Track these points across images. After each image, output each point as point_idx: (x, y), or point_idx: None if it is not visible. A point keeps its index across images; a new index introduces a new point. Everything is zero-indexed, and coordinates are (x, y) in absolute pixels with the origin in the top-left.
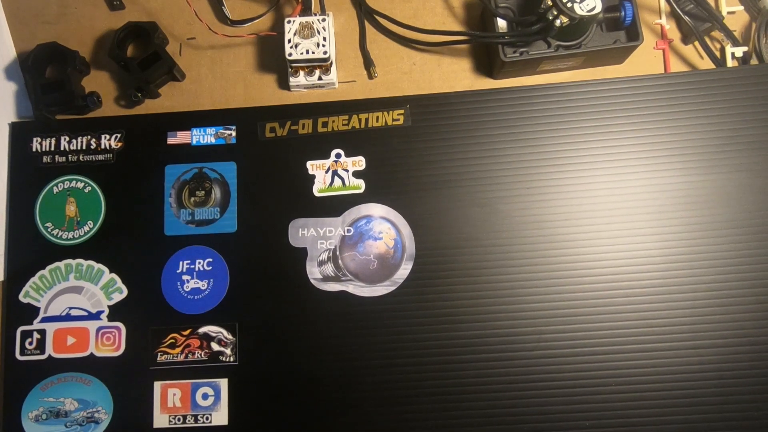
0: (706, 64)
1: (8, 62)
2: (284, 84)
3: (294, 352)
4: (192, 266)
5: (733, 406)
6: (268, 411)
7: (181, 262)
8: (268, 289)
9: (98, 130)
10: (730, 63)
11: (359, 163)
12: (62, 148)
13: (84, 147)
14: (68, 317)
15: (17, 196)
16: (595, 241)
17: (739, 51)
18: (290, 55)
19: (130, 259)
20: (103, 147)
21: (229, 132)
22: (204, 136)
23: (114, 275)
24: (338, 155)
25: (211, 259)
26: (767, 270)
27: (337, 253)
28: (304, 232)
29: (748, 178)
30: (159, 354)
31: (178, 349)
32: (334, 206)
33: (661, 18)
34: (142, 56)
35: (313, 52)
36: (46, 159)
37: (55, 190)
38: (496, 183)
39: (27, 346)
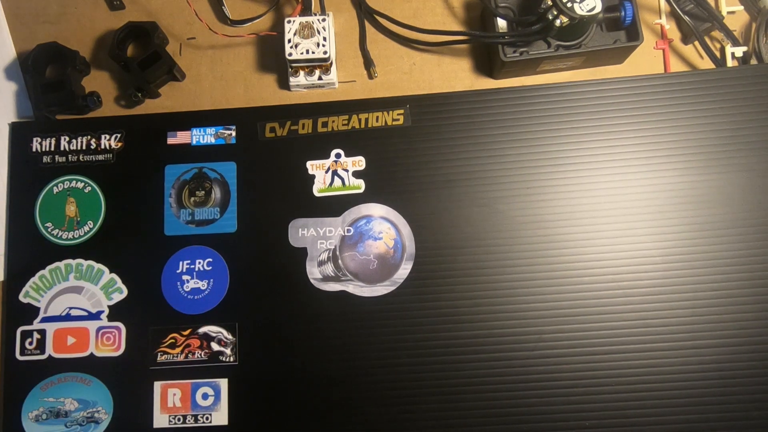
0: (706, 64)
1: (8, 62)
2: (284, 84)
3: (294, 352)
4: (192, 266)
5: (733, 406)
6: (268, 411)
7: (181, 262)
8: (268, 289)
9: (98, 130)
10: (730, 63)
11: (359, 163)
12: (62, 148)
13: (84, 147)
14: (68, 317)
15: (17, 196)
16: (595, 241)
17: (739, 51)
18: (290, 55)
19: (130, 259)
20: (103, 147)
21: (229, 132)
22: (204, 136)
23: (114, 275)
24: (338, 155)
25: (211, 259)
26: (767, 270)
27: (337, 253)
28: (304, 232)
29: (748, 178)
30: (159, 354)
31: (178, 349)
32: (334, 206)
33: (661, 18)
34: (142, 56)
35: (313, 52)
36: (46, 159)
37: (55, 190)
38: (496, 183)
39: (27, 346)
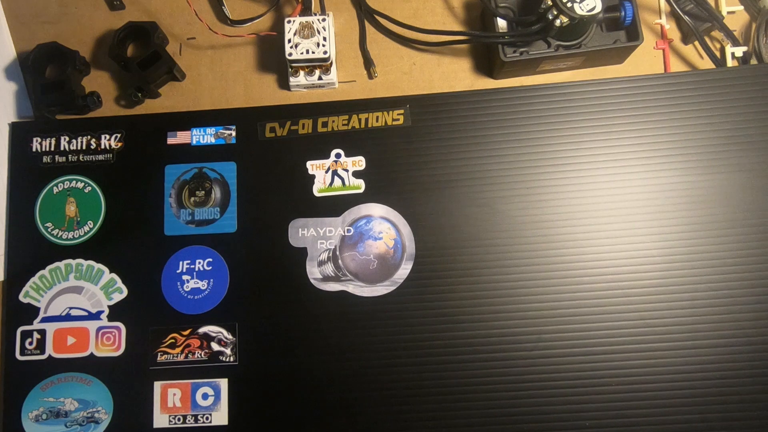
0: (706, 64)
1: (8, 62)
2: (284, 84)
3: (294, 352)
4: (192, 266)
5: (733, 406)
6: (268, 411)
7: (181, 262)
8: (268, 289)
9: (98, 130)
10: (730, 63)
11: (359, 163)
12: (62, 148)
13: (84, 147)
14: (68, 317)
15: (17, 196)
16: (595, 241)
17: (739, 51)
18: (290, 55)
19: (130, 259)
20: (103, 147)
21: (229, 132)
22: (204, 136)
23: (114, 275)
24: (338, 155)
25: (211, 259)
26: (767, 270)
27: (337, 253)
28: (304, 232)
29: (748, 178)
30: (159, 354)
31: (178, 349)
32: (334, 206)
33: (661, 18)
34: (142, 56)
35: (313, 52)
36: (46, 159)
37: (55, 190)
38: (496, 183)
39: (27, 346)
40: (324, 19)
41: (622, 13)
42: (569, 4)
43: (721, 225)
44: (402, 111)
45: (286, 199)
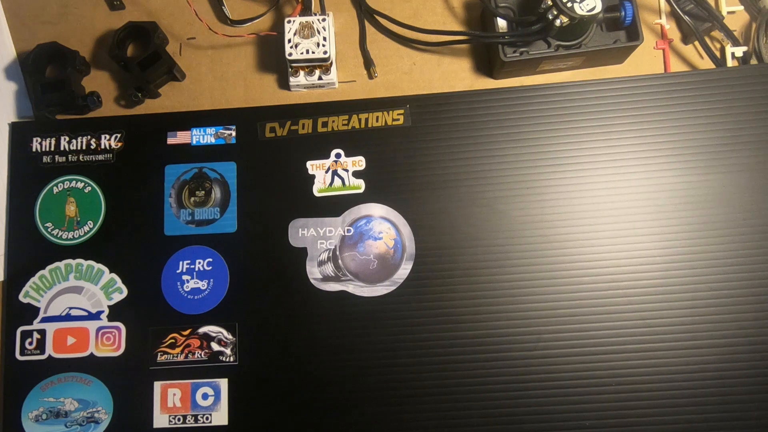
0: (706, 64)
1: (8, 62)
2: (284, 84)
3: (294, 352)
4: (192, 266)
5: (733, 406)
6: (268, 411)
7: (181, 262)
8: (268, 289)
9: (98, 130)
10: (730, 63)
11: (359, 163)
12: (62, 148)
13: (84, 147)
14: (68, 317)
15: (17, 196)
16: (595, 241)
17: (739, 51)
18: (290, 55)
19: (130, 259)
20: (103, 147)
21: (229, 132)
22: (204, 136)
23: (114, 275)
24: (338, 155)
25: (211, 259)
26: (767, 270)
27: (337, 253)
28: (304, 232)
29: (748, 178)
30: (159, 354)
31: (178, 349)
32: (334, 206)
33: (661, 18)
34: (142, 56)
35: (313, 52)
36: (46, 159)
37: (55, 190)
38: (496, 183)
39: (27, 346)
40: (324, 19)
41: (622, 13)
42: (569, 4)
43: (721, 225)
44: (402, 111)
45: (286, 199)
